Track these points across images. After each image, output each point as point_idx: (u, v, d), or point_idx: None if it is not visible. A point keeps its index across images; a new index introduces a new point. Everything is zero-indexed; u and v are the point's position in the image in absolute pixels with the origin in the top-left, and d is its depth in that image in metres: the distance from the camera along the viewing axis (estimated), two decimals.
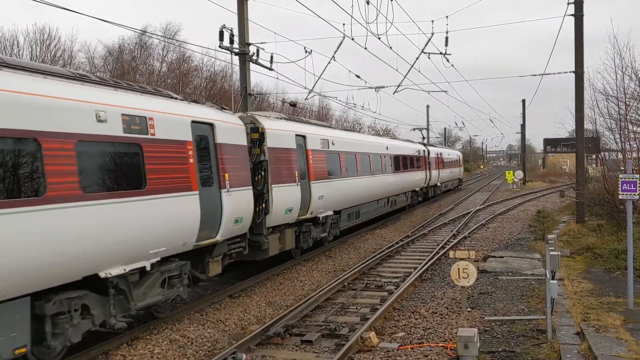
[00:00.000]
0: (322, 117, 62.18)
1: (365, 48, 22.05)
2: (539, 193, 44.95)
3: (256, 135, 13.80)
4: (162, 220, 9.42)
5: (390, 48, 22.77)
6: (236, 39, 19.00)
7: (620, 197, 10.67)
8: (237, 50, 19.16)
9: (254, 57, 19.61)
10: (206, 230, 10.83)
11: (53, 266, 7.35)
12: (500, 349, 8.85)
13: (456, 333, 8.55)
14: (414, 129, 51.07)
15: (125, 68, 42.03)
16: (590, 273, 13.80)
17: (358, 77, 27.39)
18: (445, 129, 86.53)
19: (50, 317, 7.62)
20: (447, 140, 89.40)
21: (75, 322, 8.00)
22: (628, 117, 19.94)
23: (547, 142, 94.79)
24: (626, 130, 20.15)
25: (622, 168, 18.40)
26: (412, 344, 9.26)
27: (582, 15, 21.80)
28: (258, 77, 71.36)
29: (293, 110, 43.79)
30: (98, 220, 8.05)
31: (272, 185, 13.90)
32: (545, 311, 9.51)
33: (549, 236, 12.84)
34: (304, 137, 16.27)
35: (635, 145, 20.40)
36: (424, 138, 49.39)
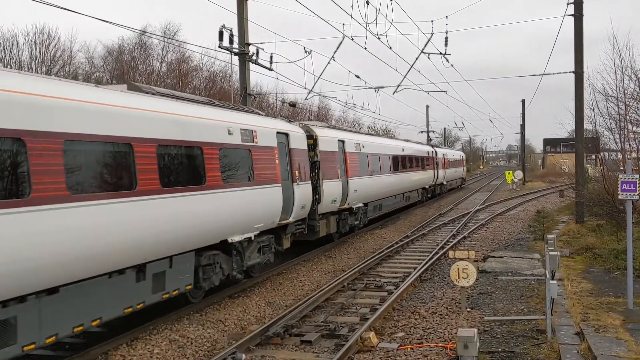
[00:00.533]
0: (322, 117, 62.18)
1: (365, 48, 22.06)
2: (539, 193, 44.97)
3: (311, 141, 17.10)
4: (262, 204, 12.90)
5: (390, 48, 22.77)
6: (236, 39, 19.01)
7: (619, 197, 10.67)
8: (236, 51, 19.17)
9: (254, 57, 19.61)
10: (284, 214, 14.27)
11: (207, 233, 10.89)
12: (499, 349, 8.85)
13: (456, 333, 8.55)
14: (422, 132, 54.61)
15: (125, 68, 42.03)
16: (589, 273, 13.80)
17: (358, 77, 27.41)
18: (445, 129, 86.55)
19: (202, 266, 11.10)
20: (447, 140, 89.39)
21: (216, 271, 11.51)
22: (628, 117, 19.96)
23: (547, 142, 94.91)
24: (626, 130, 20.17)
25: (622, 168, 18.42)
26: (411, 344, 9.26)
27: (582, 15, 21.80)
28: (258, 77, 71.48)
29: (293, 111, 43.80)
30: (232, 202, 11.66)
31: (323, 181, 17.27)
32: (544, 311, 9.51)
33: (548, 236, 12.84)
34: (343, 141, 19.63)
35: (634, 145, 20.43)
36: (430, 140, 52.09)
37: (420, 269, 14.81)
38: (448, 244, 19.11)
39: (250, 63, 19.71)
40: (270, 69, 20.19)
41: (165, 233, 9.62)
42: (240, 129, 12.37)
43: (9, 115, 6.86)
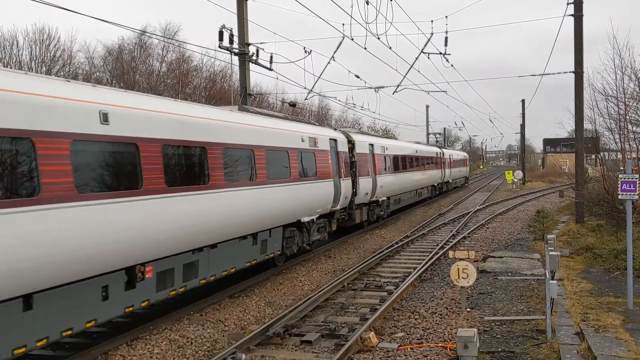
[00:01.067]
0: (322, 117, 62.20)
1: (365, 48, 22.07)
2: (539, 193, 44.97)
3: (350, 145, 20.66)
4: (321, 194, 16.85)
5: (390, 48, 22.78)
6: (236, 39, 19.01)
7: (619, 197, 10.67)
8: (236, 51, 19.17)
9: (254, 57, 19.62)
10: (334, 202, 18.04)
11: (290, 214, 14.76)
12: (499, 349, 8.86)
13: (456, 333, 8.55)
14: (430, 134, 57.34)
15: (125, 68, 42.03)
16: (589, 273, 13.81)
17: (357, 77, 27.42)
18: (444, 129, 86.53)
19: (286, 238, 14.86)
20: (447, 140, 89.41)
21: (294, 242, 15.49)
22: (627, 117, 19.98)
23: (547, 142, 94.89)
24: (626, 130, 20.19)
25: (622, 168, 18.42)
26: (411, 344, 9.26)
27: (582, 15, 21.81)
28: (258, 77, 71.49)
29: (293, 111, 43.79)
30: (305, 192, 15.52)
31: (359, 177, 20.96)
32: (544, 311, 9.51)
33: (548, 236, 12.84)
34: (372, 145, 23.42)
35: (634, 145, 20.44)
36: (437, 141, 55.84)
37: (420, 269, 14.81)
38: (448, 244, 19.11)
39: (250, 63, 19.71)
40: (270, 69, 20.20)
41: (268, 211, 13.32)
42: (308, 137, 16.38)
43: (197, 132, 10.70)
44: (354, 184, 20.30)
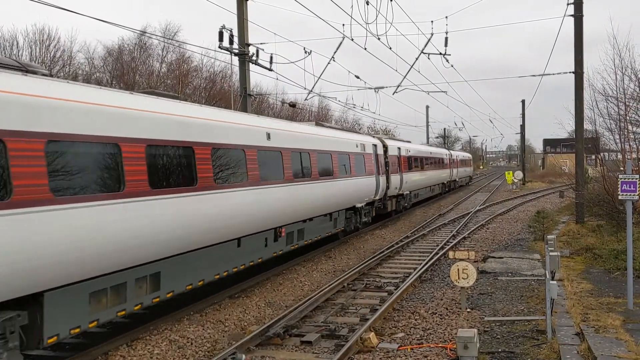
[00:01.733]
0: (322, 117, 62.18)
1: (365, 48, 22.07)
2: (539, 193, 44.97)
3: (384, 149, 25.39)
4: (367, 186, 21.36)
5: (390, 48, 22.78)
6: (236, 39, 19.00)
7: (619, 197, 10.67)
8: (236, 51, 19.17)
9: (254, 58, 19.61)
10: (375, 194, 22.66)
11: (350, 200, 19.30)
12: (499, 350, 8.86)
13: (456, 333, 8.55)
14: (438, 137, 72.11)
15: (125, 68, 42.03)
16: (589, 273, 13.81)
17: (357, 77, 27.43)
18: (444, 129, 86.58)
19: (346, 218, 19.65)
20: (447, 140, 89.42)
21: (352, 222, 20.34)
22: (628, 117, 19.98)
23: (547, 142, 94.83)
24: (626, 130, 20.19)
25: (622, 168, 18.40)
26: (411, 344, 9.26)
27: (582, 15, 21.80)
28: (258, 78, 71.40)
29: (293, 112, 43.79)
30: (358, 184, 20.03)
31: (390, 174, 25.70)
32: (544, 312, 9.51)
33: (548, 237, 12.84)
34: (399, 148, 28.27)
35: (634, 146, 20.44)
36: (445, 143, 60.62)
37: (420, 269, 14.81)
38: (448, 245, 19.11)
39: (250, 63, 19.72)
40: (270, 70, 20.20)
41: (338, 198, 18.31)
42: (360, 143, 21.50)
43: (305, 142, 16.16)
44: (387, 180, 25.15)
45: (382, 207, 25.07)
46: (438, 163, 39.97)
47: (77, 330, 7.85)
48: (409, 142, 35.29)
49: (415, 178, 31.21)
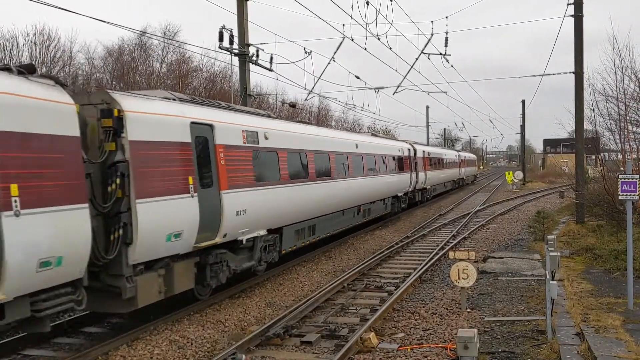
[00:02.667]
0: (322, 117, 62.18)
1: (365, 49, 22.08)
2: (539, 194, 44.97)
3: (413, 152, 31.09)
4: (404, 181, 28.28)
5: (390, 49, 22.79)
6: (236, 39, 19.02)
7: (619, 197, 10.67)
8: (236, 51, 19.18)
9: (254, 58, 19.63)
10: (409, 186, 29.38)
11: (395, 190, 26.86)
12: (500, 350, 8.86)
13: (456, 334, 8.55)
14: (438, 137, 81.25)
15: (125, 69, 42.04)
16: (589, 274, 13.81)
17: (358, 77, 27.45)
18: (445, 129, 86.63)
19: (392, 204, 26.88)
20: (447, 141, 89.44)
21: (396, 206, 27.82)
22: (628, 117, 19.97)
23: (547, 142, 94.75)
24: (626, 130, 20.18)
25: (622, 168, 18.39)
26: (411, 344, 9.26)
27: (582, 16, 21.79)
28: (258, 78, 71.33)
29: (293, 112, 43.78)
30: (399, 179, 27.52)
31: (418, 172, 31.69)
32: (545, 312, 9.51)
33: (548, 237, 12.84)
34: (424, 151, 34.56)
35: (634, 146, 20.43)
36: (453, 146, 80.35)
37: (420, 269, 14.81)
38: (448, 245, 19.11)
39: (250, 64, 19.72)
40: (270, 70, 20.22)
41: (390, 187, 25.42)
42: (400, 148, 28.56)
43: (366, 147, 23.06)
44: (417, 176, 31.38)
45: (412, 198, 31.93)
46: (451, 163, 46.92)
47: (293, 247, 15.53)
48: (427, 145, 43.47)
49: (434, 175, 37.99)
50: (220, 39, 18.39)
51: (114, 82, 40.73)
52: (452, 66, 27.43)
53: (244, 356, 8.59)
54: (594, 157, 27.78)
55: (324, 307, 11.78)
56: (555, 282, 9.24)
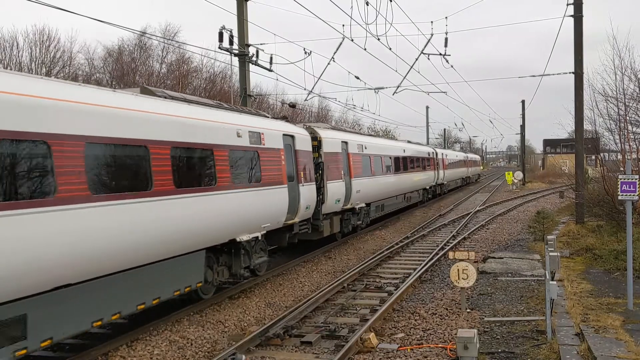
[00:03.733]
0: (322, 118, 62.19)
1: (365, 49, 22.07)
2: (539, 194, 44.97)
3: (435, 154, 37.95)
4: (429, 178, 35.65)
5: (390, 49, 22.78)
6: (236, 40, 19.01)
7: (619, 197, 10.67)
8: (236, 52, 19.18)
9: (254, 58, 19.62)
10: (432, 182, 37.06)
11: (419, 186, 33.45)
12: (499, 350, 8.86)
13: (456, 334, 8.56)
14: (454, 142, 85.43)
15: (125, 69, 42.04)
16: (589, 274, 13.81)
17: (357, 78, 27.44)
18: (444, 129, 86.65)
19: (409, 197, 31.29)
20: (447, 141, 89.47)
21: (423, 197, 35.61)
22: (627, 118, 19.96)
23: (547, 142, 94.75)
24: (625, 131, 20.17)
25: (622, 169, 18.38)
26: (411, 344, 9.26)
27: (582, 16, 21.79)
28: (258, 78, 71.39)
29: (293, 112, 43.79)
30: (425, 176, 34.38)
31: (439, 170, 39.10)
32: (544, 312, 9.52)
33: (548, 237, 12.84)
34: (442, 153, 40.73)
35: (634, 146, 20.41)
36: (462, 148, 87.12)
37: (420, 269, 14.81)
38: (448, 245, 19.11)
39: (250, 64, 19.72)
40: (270, 70, 20.21)
41: (421, 182, 33.37)
42: (428, 152, 35.67)
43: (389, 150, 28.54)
44: (438, 173, 38.56)
45: (434, 191, 39.09)
46: (461, 163, 55.01)
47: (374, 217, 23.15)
48: (444, 148, 52.11)
49: (449, 173, 44.74)
50: (220, 39, 18.39)
51: (113, 83, 40.73)
52: (451, 66, 27.42)
53: (243, 356, 8.59)
54: (593, 157, 27.78)
55: (324, 307, 11.78)
56: (555, 282, 9.25)
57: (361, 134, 27.89)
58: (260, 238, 13.19)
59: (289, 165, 14.87)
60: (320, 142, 18.20)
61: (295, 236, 15.97)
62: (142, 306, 9.22)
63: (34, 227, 6.93)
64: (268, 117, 15.67)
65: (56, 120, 7.50)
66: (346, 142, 20.43)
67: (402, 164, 28.08)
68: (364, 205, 21.69)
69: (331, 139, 19.07)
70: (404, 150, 29.32)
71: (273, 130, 14.34)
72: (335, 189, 18.57)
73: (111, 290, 8.49)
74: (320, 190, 17.58)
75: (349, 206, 20.05)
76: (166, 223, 9.41)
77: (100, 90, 9.33)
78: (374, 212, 23.57)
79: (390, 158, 26.26)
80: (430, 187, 37.38)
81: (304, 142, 16.45)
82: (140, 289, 9.14)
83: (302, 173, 15.88)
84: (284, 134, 14.85)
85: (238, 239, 12.05)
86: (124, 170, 8.67)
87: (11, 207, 6.71)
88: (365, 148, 22.34)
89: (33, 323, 7.11)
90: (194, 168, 10.55)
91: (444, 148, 67.29)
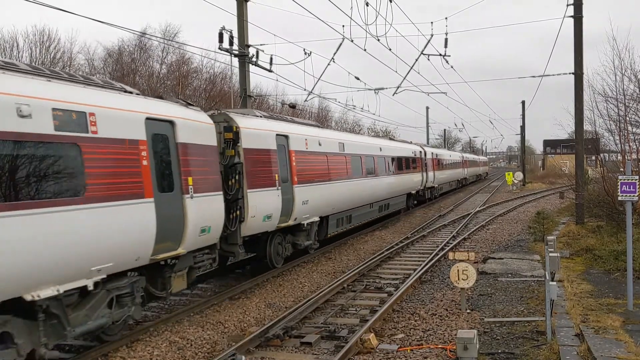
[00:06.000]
0: (322, 118, 62.16)
1: (365, 50, 22.06)
2: (539, 194, 44.95)
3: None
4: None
5: (390, 50, 22.77)
6: (236, 40, 19.02)
7: (619, 198, 10.67)
8: (236, 52, 19.18)
9: (254, 59, 19.63)
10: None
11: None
12: (499, 351, 8.86)
13: (455, 335, 8.55)
14: (454, 143, 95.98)
15: (125, 70, 42.05)
16: (589, 274, 13.80)
17: (357, 78, 27.44)
18: (445, 130, 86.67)
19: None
20: (447, 141, 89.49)
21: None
22: (627, 118, 19.95)
23: (547, 143, 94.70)
24: (625, 131, 20.16)
25: (622, 169, 18.39)
26: (411, 345, 9.26)
27: (582, 17, 21.79)
28: (258, 79, 71.40)
29: (293, 112, 43.77)
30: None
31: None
32: (544, 313, 9.51)
33: (548, 237, 12.85)
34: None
35: (634, 147, 20.40)
36: (472, 150, 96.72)
37: (420, 270, 14.81)
38: (448, 246, 19.11)
39: (250, 65, 19.73)
40: (270, 71, 20.21)
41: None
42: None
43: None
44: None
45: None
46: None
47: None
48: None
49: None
50: (220, 40, 18.39)
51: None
52: (451, 67, 27.39)
53: (243, 357, 8.59)
54: (593, 158, 27.77)
55: (324, 308, 11.78)
56: (554, 283, 9.25)
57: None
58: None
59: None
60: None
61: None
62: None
63: None
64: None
65: (331, 146, 16.99)
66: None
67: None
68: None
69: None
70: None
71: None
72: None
73: None
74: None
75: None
76: None
77: None
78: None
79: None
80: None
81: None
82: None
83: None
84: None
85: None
86: None
87: None
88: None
89: None
90: None
91: (445, 148, 68.05)
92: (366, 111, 43.24)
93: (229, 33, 18.61)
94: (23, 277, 7.13)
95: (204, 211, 10.99)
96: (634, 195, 10.31)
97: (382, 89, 29.85)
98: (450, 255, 12.20)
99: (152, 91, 37.70)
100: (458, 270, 11.18)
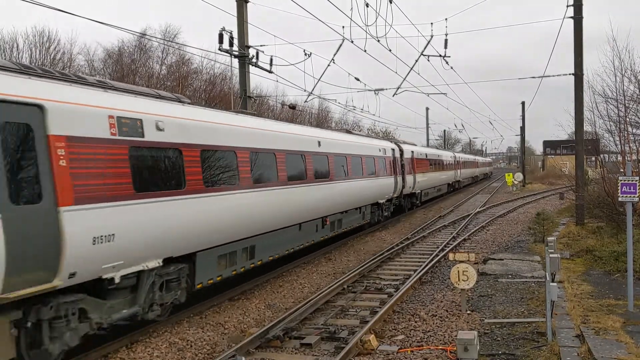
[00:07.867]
0: (322, 119, 62.21)
1: (365, 51, 22.06)
2: (539, 195, 44.96)
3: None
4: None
5: (390, 50, 22.78)
6: (236, 41, 19.02)
7: (619, 199, 10.67)
8: (236, 53, 19.18)
9: (254, 60, 19.63)
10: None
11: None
12: (500, 352, 8.84)
13: (456, 336, 8.55)
14: (454, 144, 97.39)
15: (125, 71, 42.04)
16: (590, 275, 13.80)
17: (357, 79, 27.46)
18: (444, 131, 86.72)
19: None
20: (447, 142, 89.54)
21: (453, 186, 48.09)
22: (627, 119, 19.95)
23: (547, 144, 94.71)
24: (625, 132, 20.14)
25: (622, 170, 18.38)
26: (411, 346, 9.25)
27: (582, 18, 21.81)
28: (258, 80, 71.39)
29: (293, 113, 43.79)
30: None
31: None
32: (545, 314, 9.50)
33: (548, 238, 12.83)
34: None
35: (634, 147, 20.38)
36: (482, 153, 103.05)
37: (421, 271, 14.80)
38: (448, 246, 19.10)
39: (250, 65, 19.73)
40: (270, 72, 20.22)
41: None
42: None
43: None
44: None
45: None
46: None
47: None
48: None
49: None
50: (220, 40, 18.39)
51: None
52: (451, 68, 27.43)
53: (243, 358, 8.58)
54: (593, 158, 27.77)
55: (324, 309, 11.77)
56: (555, 283, 9.24)
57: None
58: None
59: None
60: None
61: None
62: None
63: None
64: None
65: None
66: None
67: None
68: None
69: None
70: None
71: None
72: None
73: None
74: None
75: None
76: None
77: None
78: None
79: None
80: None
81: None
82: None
83: None
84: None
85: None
86: None
87: None
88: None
89: None
90: None
91: (445, 149, 68.07)
92: (366, 112, 43.28)
93: (229, 34, 18.62)
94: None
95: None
96: (634, 196, 10.31)
97: (382, 89, 29.90)
98: (451, 256, 12.19)
99: None
100: (458, 271, 11.17)
